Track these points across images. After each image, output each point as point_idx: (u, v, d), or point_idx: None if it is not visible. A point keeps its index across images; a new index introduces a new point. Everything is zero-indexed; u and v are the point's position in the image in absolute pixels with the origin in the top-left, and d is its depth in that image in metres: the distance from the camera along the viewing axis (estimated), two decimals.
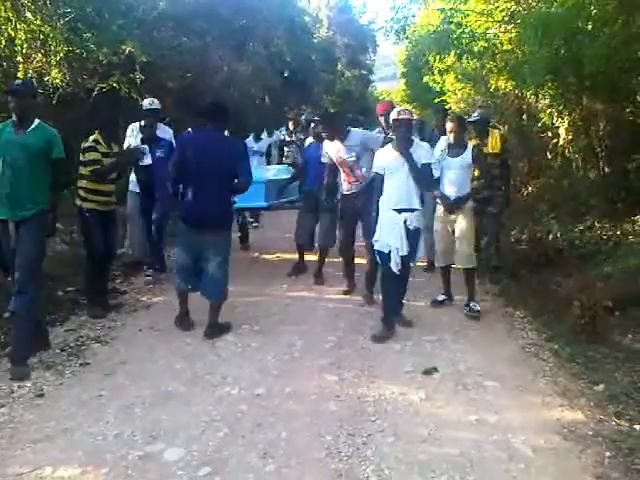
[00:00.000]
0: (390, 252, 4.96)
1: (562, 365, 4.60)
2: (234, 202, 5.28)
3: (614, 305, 5.39)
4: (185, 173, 4.87)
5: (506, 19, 9.24)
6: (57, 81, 8.37)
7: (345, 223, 6.10)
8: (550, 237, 7.90)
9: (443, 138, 5.94)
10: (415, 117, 5.82)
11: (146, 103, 7.01)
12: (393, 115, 5.15)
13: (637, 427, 3.62)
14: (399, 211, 5.00)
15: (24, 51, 7.93)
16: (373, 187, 5.31)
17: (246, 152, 5.25)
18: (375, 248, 5.15)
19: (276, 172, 7.71)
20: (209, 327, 4.97)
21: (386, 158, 5.13)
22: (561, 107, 8.43)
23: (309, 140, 7.36)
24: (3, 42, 7.76)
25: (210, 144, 4.93)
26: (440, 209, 5.78)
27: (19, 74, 7.95)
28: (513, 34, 8.95)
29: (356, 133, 5.98)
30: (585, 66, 6.53)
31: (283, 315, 5.64)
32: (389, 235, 4.98)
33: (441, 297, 5.97)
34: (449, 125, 5.76)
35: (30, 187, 4.32)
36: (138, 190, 6.76)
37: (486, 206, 6.45)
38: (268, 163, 9.20)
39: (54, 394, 3.96)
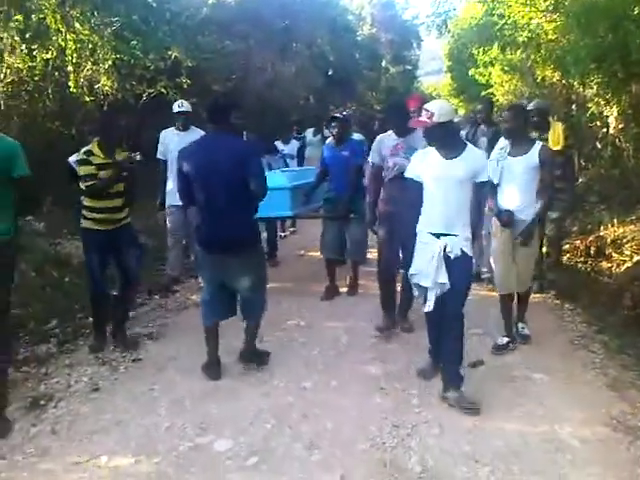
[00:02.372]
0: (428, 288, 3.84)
1: (612, 357, 4.53)
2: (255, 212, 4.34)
3: None
4: (194, 191, 4.09)
5: (550, 8, 9.09)
6: (107, 88, 8.61)
7: (388, 239, 5.01)
8: (601, 228, 7.73)
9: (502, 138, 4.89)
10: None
11: (175, 106, 6.68)
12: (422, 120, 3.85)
13: None
14: (437, 235, 3.81)
15: (74, 60, 8.20)
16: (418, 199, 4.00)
17: (255, 148, 4.59)
18: (413, 282, 4.03)
19: (302, 175, 6.88)
20: (245, 351, 4.37)
21: (427, 162, 3.88)
22: (608, 95, 8.21)
23: (328, 141, 6.53)
24: (54, 53, 8.04)
25: (211, 150, 4.06)
26: (497, 223, 4.73)
27: (70, 83, 8.25)
28: (557, 23, 8.79)
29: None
30: (632, 53, 6.37)
31: (328, 311, 5.69)
32: (425, 265, 3.81)
33: (504, 340, 4.72)
34: (505, 115, 4.78)
35: None
36: (176, 203, 6.11)
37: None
38: (301, 165, 8.83)
39: (109, 388, 4.12)
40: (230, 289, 4.26)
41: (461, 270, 3.78)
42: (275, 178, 5.85)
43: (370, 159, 5.14)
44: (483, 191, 4.06)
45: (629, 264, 6.41)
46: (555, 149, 5.62)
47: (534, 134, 5.58)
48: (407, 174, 4.02)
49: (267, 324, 4.64)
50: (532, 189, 4.57)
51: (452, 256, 3.75)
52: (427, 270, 3.77)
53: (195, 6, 12.67)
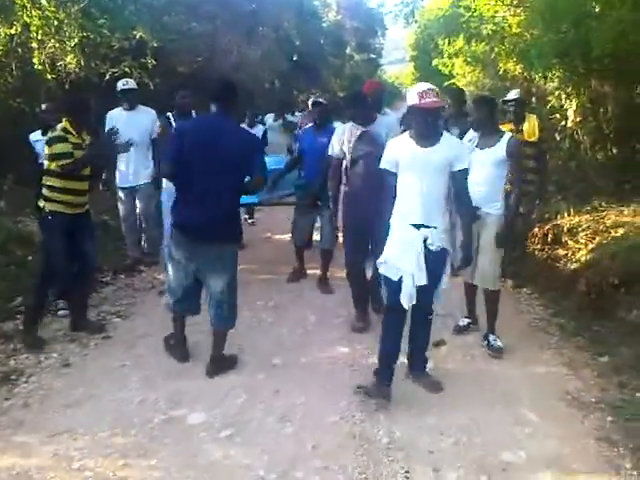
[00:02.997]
0: (401, 280, 3.60)
1: (567, 339, 4.75)
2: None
3: (620, 282, 5.49)
4: (184, 169, 3.82)
5: (514, 2, 9.31)
6: (72, 66, 8.49)
7: (353, 235, 4.83)
8: (558, 217, 8.00)
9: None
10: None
11: (120, 84, 6.34)
12: (411, 100, 3.58)
13: (639, 395, 3.77)
14: (417, 227, 3.62)
15: (39, 37, 8.06)
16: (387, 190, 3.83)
17: (260, 145, 4.45)
18: (381, 272, 3.75)
19: (270, 162, 6.58)
20: (212, 362, 4.03)
21: (401, 150, 3.67)
22: (569, 89, 8.48)
23: (306, 126, 6.43)
24: (18, 28, 7.89)
25: (217, 133, 3.81)
26: None
27: (35, 60, 8.11)
28: (522, 17, 9.01)
29: (385, 118, 4.95)
30: (593, 49, 6.58)
31: (296, 292, 5.79)
32: (401, 257, 3.59)
33: (465, 321, 4.87)
34: (470, 107, 4.78)
35: None
36: (127, 184, 6.31)
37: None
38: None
39: (80, 364, 4.16)
40: (199, 284, 4.03)
41: (438, 264, 3.66)
42: None
43: (329, 151, 4.93)
44: (464, 179, 3.78)
45: (583, 252, 6.67)
46: (530, 141, 5.74)
47: (510, 125, 5.72)
48: (382, 165, 3.78)
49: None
50: (499, 182, 4.47)
51: (433, 249, 3.60)
52: (406, 262, 3.56)
53: None
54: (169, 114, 6.16)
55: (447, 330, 4.80)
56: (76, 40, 8.27)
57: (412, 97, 3.56)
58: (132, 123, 6.02)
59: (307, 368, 4.11)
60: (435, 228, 3.63)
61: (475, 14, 9.63)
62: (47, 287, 4.62)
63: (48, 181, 4.51)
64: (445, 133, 3.76)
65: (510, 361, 4.26)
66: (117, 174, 6.36)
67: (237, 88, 4.11)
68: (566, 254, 6.85)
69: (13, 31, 7.87)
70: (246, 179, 3.99)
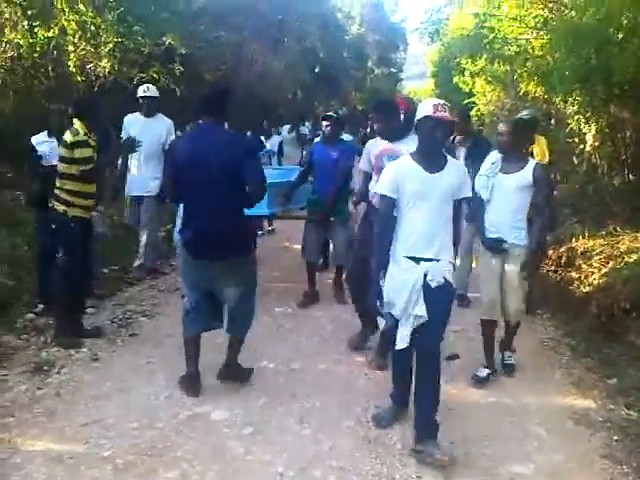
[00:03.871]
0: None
1: (577, 359, 4.87)
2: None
3: (631, 307, 5.60)
4: (183, 187, 3.74)
5: (539, 25, 9.47)
6: (105, 70, 8.73)
7: (362, 253, 4.35)
8: (573, 240, 8.12)
9: (494, 152, 4.48)
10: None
11: (140, 90, 6.35)
12: (425, 110, 3.29)
13: None
14: (417, 260, 3.31)
15: (75, 41, 8.32)
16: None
17: (254, 148, 4.27)
18: (386, 310, 3.45)
19: (284, 174, 6.64)
20: (225, 367, 3.99)
21: (407, 175, 3.32)
22: (588, 114, 8.62)
23: (317, 139, 6.34)
24: (56, 31, 8.16)
25: (206, 144, 3.68)
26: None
27: (70, 62, 8.37)
28: (545, 40, 9.16)
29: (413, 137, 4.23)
30: (614, 75, 6.72)
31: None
32: (400, 294, 3.29)
33: (484, 372, 4.35)
34: (500, 128, 4.39)
35: None
36: (136, 193, 6.32)
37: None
38: (280, 163, 8.53)
39: (108, 359, 4.36)
40: (216, 299, 3.93)
41: (442, 300, 3.30)
42: None
43: (361, 166, 4.70)
44: (462, 208, 3.62)
45: (596, 275, 6.78)
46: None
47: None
48: (377, 189, 3.48)
49: (256, 309, 4.87)
50: (523, 209, 4.23)
51: (433, 284, 3.27)
52: (401, 300, 3.27)
53: None
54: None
55: (461, 345, 4.93)
56: (110, 45, 8.53)
57: (426, 108, 3.29)
58: (147, 130, 5.99)
59: (324, 374, 4.27)
60: (437, 261, 3.31)
61: (499, 35, 9.82)
62: (79, 289, 4.77)
63: (67, 185, 4.54)
64: (449, 157, 3.46)
65: (521, 378, 4.39)
66: (127, 181, 6.39)
67: (227, 95, 3.97)
68: (579, 277, 6.97)
69: (50, 34, 8.13)
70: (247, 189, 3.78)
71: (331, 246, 6.02)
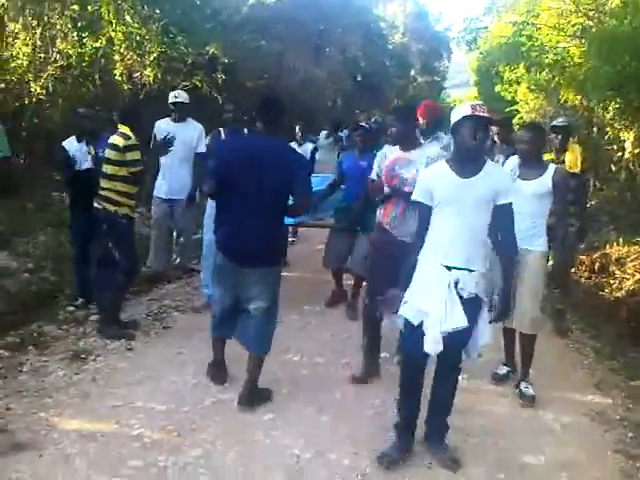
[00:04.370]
0: (421, 325, 3.10)
1: (601, 361, 4.91)
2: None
3: None
4: (224, 189, 3.72)
5: (578, 34, 9.46)
6: (150, 78, 9.10)
7: (376, 270, 4.13)
8: (607, 246, 8.07)
9: (513, 157, 4.44)
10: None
11: (171, 96, 6.27)
12: (462, 112, 3.09)
13: None
14: (449, 268, 3.12)
15: (121, 51, 8.72)
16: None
17: (306, 161, 4.20)
18: (401, 313, 3.22)
19: (316, 182, 6.22)
20: (245, 390, 3.82)
21: (438, 181, 3.17)
22: (627, 121, 8.57)
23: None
24: (104, 42, 8.57)
25: (258, 153, 3.65)
26: None
27: (116, 71, 8.77)
28: (583, 48, 9.16)
29: (434, 146, 4.21)
30: None
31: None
32: (426, 297, 3.10)
33: (503, 369, 4.45)
34: (521, 135, 4.29)
35: None
36: (164, 196, 6.24)
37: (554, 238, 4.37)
38: (313, 170, 8.00)
39: (142, 350, 4.60)
40: (240, 306, 3.88)
41: (471, 313, 3.10)
42: None
43: (372, 174, 4.44)
44: (510, 215, 3.24)
45: (630, 282, 6.76)
46: (572, 172, 5.31)
47: (551, 155, 5.44)
48: (414, 197, 3.28)
49: (286, 307, 5.05)
50: (543, 216, 4.16)
51: (464, 294, 3.09)
52: (431, 304, 3.07)
53: (235, 6, 13.20)
54: (220, 129, 6.11)
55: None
56: (155, 55, 8.90)
57: (463, 109, 3.11)
58: (179, 135, 5.74)
59: (346, 368, 4.41)
60: (470, 271, 3.12)
61: (537, 44, 9.84)
62: (129, 284, 5.13)
63: (117, 186, 4.73)
64: (488, 161, 3.24)
65: (541, 376, 4.43)
66: (157, 182, 6.33)
67: (283, 105, 3.97)
68: (612, 283, 6.95)
69: (98, 44, 8.55)
70: (290, 201, 3.83)
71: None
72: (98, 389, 3.90)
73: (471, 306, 3.11)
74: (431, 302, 3.06)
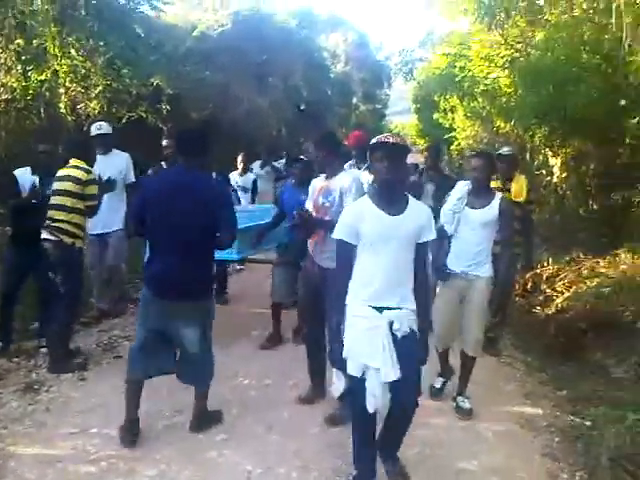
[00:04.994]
0: (365, 377, 3.04)
1: (531, 374, 5.28)
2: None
3: (588, 327, 6.01)
4: (149, 226, 3.71)
5: (506, 65, 10.08)
6: (95, 111, 9.21)
7: (305, 297, 4.42)
8: (538, 266, 8.56)
9: (461, 183, 4.50)
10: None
11: (94, 129, 6.21)
12: (373, 141, 3.16)
13: (587, 423, 4.27)
14: (380, 309, 3.07)
15: (66, 84, 8.82)
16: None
17: (228, 196, 4.09)
18: (348, 372, 3.12)
19: (255, 216, 6.31)
20: (196, 420, 3.92)
21: (365, 218, 3.09)
22: (555, 148, 9.15)
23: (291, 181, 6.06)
24: (48, 75, 8.66)
25: (179, 188, 3.64)
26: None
27: (61, 104, 8.86)
28: (512, 79, 9.76)
29: (349, 173, 4.37)
30: (569, 113, 7.26)
31: (285, 323, 6.07)
32: (363, 348, 3.03)
33: (439, 381, 4.66)
34: (474, 162, 4.32)
35: None
36: (96, 232, 6.10)
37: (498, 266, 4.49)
38: (253, 201, 8.32)
39: (94, 379, 4.73)
40: (170, 342, 3.82)
41: (412, 351, 3.07)
42: None
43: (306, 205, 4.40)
44: (426, 252, 3.33)
45: (559, 299, 7.21)
46: (517, 201, 5.47)
47: (496, 183, 5.39)
48: (336, 235, 3.16)
49: (235, 333, 5.29)
50: (489, 243, 4.29)
51: (399, 335, 3.03)
52: (369, 355, 3.00)
53: (179, 37, 13.43)
54: (162, 163, 6.13)
55: None
56: (100, 87, 9.03)
57: (371, 141, 3.17)
58: (107, 167, 5.78)
59: (294, 389, 4.62)
60: (401, 309, 3.09)
61: (469, 74, 10.42)
62: (73, 313, 5.10)
63: (74, 219, 4.84)
64: (410, 198, 3.21)
65: (476, 389, 4.71)
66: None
67: (204, 138, 3.91)
68: (543, 301, 7.40)
69: (43, 77, 8.63)
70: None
71: None
72: (53, 418, 4.02)
73: (409, 343, 3.06)
74: (368, 354, 3.00)
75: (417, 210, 3.16)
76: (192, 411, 3.92)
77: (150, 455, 3.58)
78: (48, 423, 3.94)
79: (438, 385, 4.65)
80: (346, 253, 3.14)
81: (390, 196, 3.10)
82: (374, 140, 3.13)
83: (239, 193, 8.13)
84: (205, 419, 3.95)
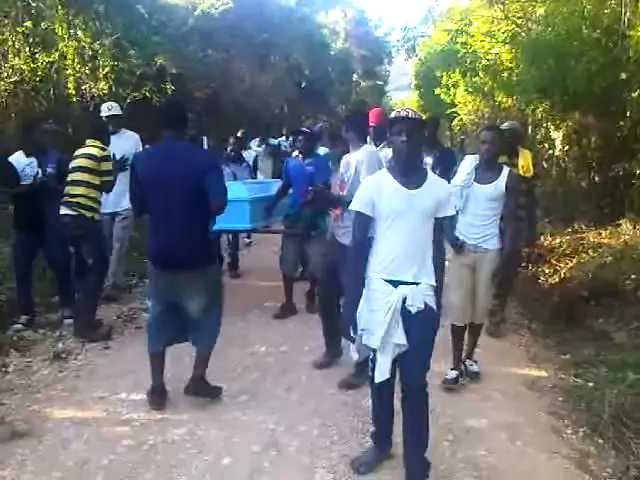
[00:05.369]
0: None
1: (536, 339, 5.47)
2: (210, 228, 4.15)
3: (590, 295, 6.20)
4: (147, 200, 3.81)
5: (507, 40, 10.18)
6: (104, 91, 9.34)
7: (328, 270, 4.51)
8: (542, 238, 8.74)
9: (469, 157, 4.49)
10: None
11: (105, 109, 6.41)
12: (390, 116, 3.20)
13: (590, 384, 4.46)
14: (395, 283, 3.05)
15: (74, 65, 8.95)
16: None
17: (216, 162, 4.04)
18: (364, 342, 3.16)
19: (265, 187, 6.56)
20: (192, 382, 3.98)
21: (382, 192, 3.07)
22: (552, 121, 9.28)
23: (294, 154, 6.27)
24: (56, 57, 8.79)
25: (168, 158, 3.76)
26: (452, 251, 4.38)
27: (69, 85, 8.99)
28: (513, 54, 9.86)
29: (365, 148, 4.35)
30: (570, 86, 7.38)
31: (298, 292, 6.27)
32: (374, 319, 3.05)
33: (453, 373, 4.43)
34: (485, 136, 4.30)
35: None
36: (105, 210, 5.96)
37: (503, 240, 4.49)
38: (255, 176, 8.42)
39: (118, 348, 4.96)
40: (181, 311, 3.93)
41: (424, 327, 3.03)
42: (235, 189, 5.33)
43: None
44: (445, 227, 3.34)
45: (563, 269, 7.41)
46: (525, 176, 5.48)
47: (504, 157, 5.29)
48: (354, 206, 3.15)
49: (249, 305, 5.49)
50: (496, 216, 4.32)
51: (413, 310, 3.00)
52: (378, 327, 3.01)
53: (181, 17, 13.49)
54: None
55: None
56: (107, 68, 9.16)
57: (392, 114, 3.18)
58: (115, 147, 5.77)
59: (309, 354, 4.84)
60: (417, 285, 3.04)
61: (470, 50, 10.52)
62: (102, 281, 5.42)
63: (92, 193, 5.11)
64: (430, 172, 3.24)
65: (483, 354, 4.92)
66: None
67: (185, 109, 4.12)
68: (548, 271, 7.60)
69: (51, 59, 8.77)
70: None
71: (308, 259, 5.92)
72: (83, 383, 4.25)
73: (422, 319, 3.01)
74: (378, 325, 3.01)
75: (436, 185, 3.13)
76: (190, 378, 3.98)
77: (178, 416, 3.79)
78: (79, 387, 4.18)
79: (451, 377, 4.42)
80: (362, 225, 3.14)
81: (408, 169, 3.08)
82: (393, 114, 3.13)
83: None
84: (202, 387, 4.00)
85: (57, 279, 5.59)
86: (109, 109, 6.39)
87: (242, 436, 3.59)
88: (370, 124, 4.76)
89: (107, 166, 5.14)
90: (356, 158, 4.22)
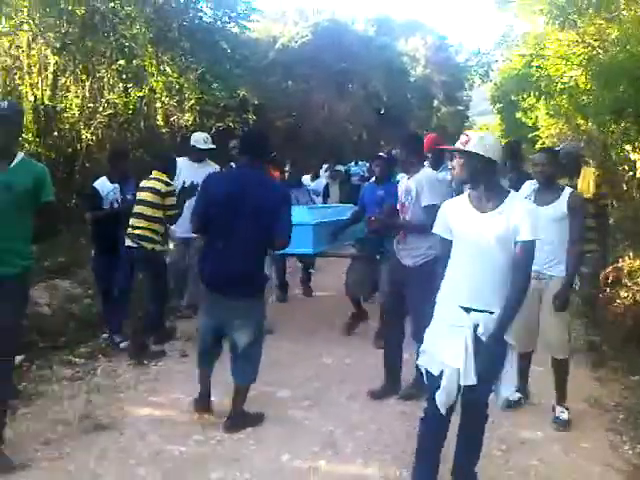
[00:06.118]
0: (442, 375, 2.94)
1: (605, 361, 5.42)
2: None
3: None
4: (210, 223, 3.82)
5: (583, 63, 10.10)
6: (189, 122, 10.02)
7: (391, 292, 4.63)
8: (620, 261, 8.57)
9: (529, 182, 4.47)
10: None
11: (201, 141, 6.53)
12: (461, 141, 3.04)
13: None
14: (467, 310, 2.95)
15: (162, 99, 9.67)
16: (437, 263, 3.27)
17: (289, 197, 4.06)
18: (419, 363, 3.18)
19: (333, 212, 6.56)
20: (231, 419, 3.93)
21: (455, 215, 3.08)
22: (629, 143, 9.13)
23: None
24: (147, 91, 9.52)
25: (243, 186, 3.75)
26: None
27: (158, 117, 9.70)
28: (587, 77, 9.79)
29: (423, 172, 4.46)
30: None
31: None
32: (444, 346, 2.94)
33: (516, 395, 4.19)
34: (537, 158, 4.30)
35: (14, 238, 3.34)
36: (183, 235, 6.18)
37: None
38: (325, 202, 8.51)
39: (193, 357, 5.21)
40: (223, 332, 4.00)
41: (492, 357, 2.93)
42: (298, 213, 5.13)
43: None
44: (525, 253, 2.94)
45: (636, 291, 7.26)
46: (585, 197, 5.07)
47: (564, 180, 5.11)
48: (435, 230, 3.20)
49: (318, 321, 5.81)
50: (562, 241, 4.11)
51: (484, 338, 2.90)
52: (449, 354, 2.90)
53: (263, 50, 14.21)
54: (232, 164, 6.24)
55: None
56: (193, 101, 9.82)
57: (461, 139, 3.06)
58: (197, 176, 5.32)
59: (373, 367, 4.99)
60: (490, 313, 2.91)
61: (545, 74, 10.51)
62: (161, 310, 5.57)
63: (152, 226, 5.21)
64: (512, 193, 3.07)
65: (548, 372, 4.93)
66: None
67: (267, 139, 4.11)
68: (624, 294, 7.46)
69: (142, 93, 9.50)
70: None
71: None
72: (162, 386, 4.65)
73: (491, 350, 2.91)
74: (449, 352, 2.90)
75: (515, 207, 2.94)
76: (229, 414, 3.96)
77: None
78: (158, 389, 4.58)
79: (513, 398, 4.18)
80: (443, 248, 3.14)
81: (479, 193, 3.01)
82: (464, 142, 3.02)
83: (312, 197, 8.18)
84: (241, 420, 3.96)
85: (115, 302, 5.67)
86: (205, 141, 6.57)
87: (302, 437, 3.85)
88: (427, 149, 4.92)
89: (171, 201, 5.24)
90: (416, 181, 4.36)
